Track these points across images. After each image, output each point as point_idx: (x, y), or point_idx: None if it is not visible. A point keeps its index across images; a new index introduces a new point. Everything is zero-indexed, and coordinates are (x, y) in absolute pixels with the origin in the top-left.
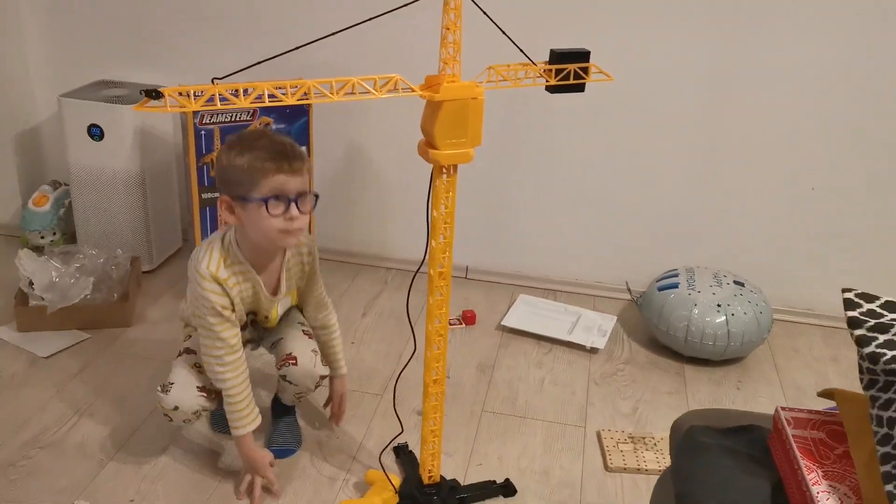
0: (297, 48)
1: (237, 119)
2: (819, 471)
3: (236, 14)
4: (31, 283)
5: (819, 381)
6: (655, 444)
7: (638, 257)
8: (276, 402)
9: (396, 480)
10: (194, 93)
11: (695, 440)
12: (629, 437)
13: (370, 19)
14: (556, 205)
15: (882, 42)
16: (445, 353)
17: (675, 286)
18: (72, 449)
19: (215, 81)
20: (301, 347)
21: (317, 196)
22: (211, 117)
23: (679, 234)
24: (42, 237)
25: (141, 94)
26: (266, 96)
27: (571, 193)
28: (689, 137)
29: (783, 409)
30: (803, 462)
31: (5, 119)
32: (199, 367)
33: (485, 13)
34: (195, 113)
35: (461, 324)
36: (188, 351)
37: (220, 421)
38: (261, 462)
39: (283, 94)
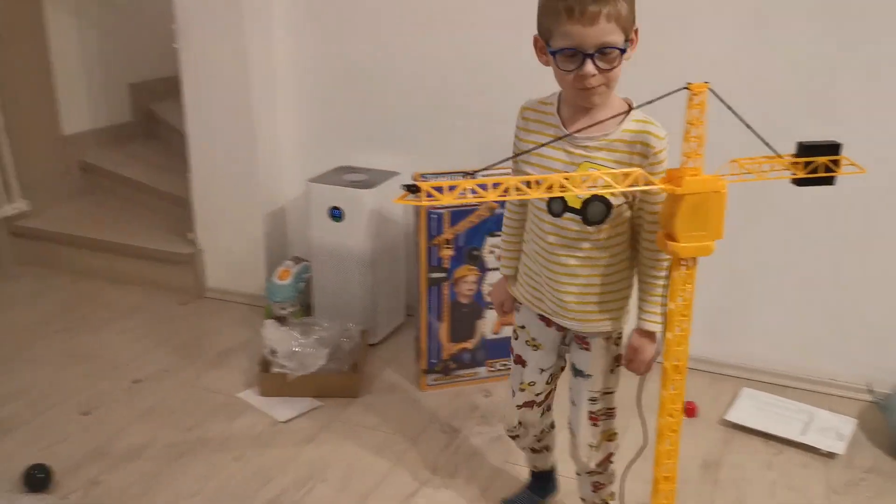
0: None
1: (466, 204)
2: None
3: (467, 105)
4: (273, 352)
5: None
6: None
7: (879, 352)
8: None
9: None
10: (448, 187)
11: None
12: None
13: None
14: (789, 292)
15: None
16: (678, 450)
17: None
18: None
19: (467, 176)
20: (582, 429)
21: (622, 50)
22: None
23: None
24: (283, 308)
25: (402, 188)
26: (513, 190)
27: (802, 275)
28: None
29: None
30: None
31: (259, 200)
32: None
33: (730, 109)
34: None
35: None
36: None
37: None
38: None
39: (528, 187)
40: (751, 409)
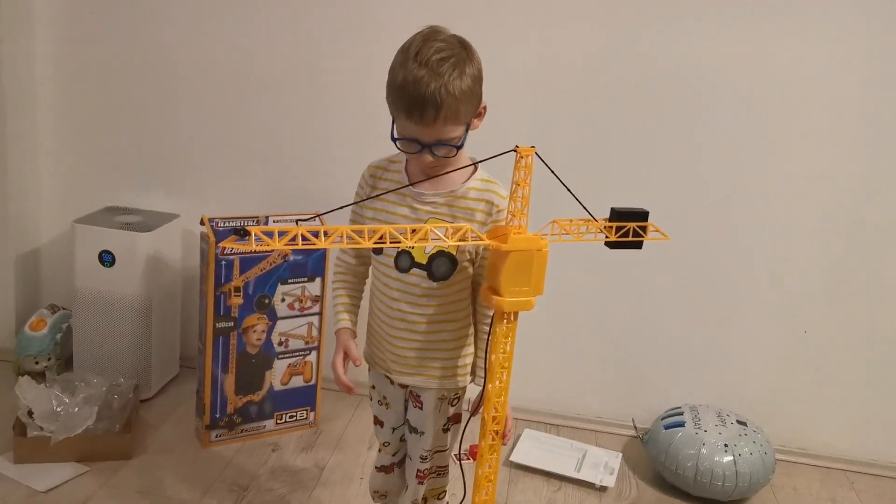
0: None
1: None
2: None
3: (248, 144)
4: (30, 413)
5: None
6: None
7: (638, 392)
8: None
9: None
10: (278, 232)
11: None
12: None
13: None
14: (557, 338)
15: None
16: (494, 499)
17: (682, 424)
18: None
19: (299, 223)
20: (412, 482)
21: (459, 147)
22: (233, 248)
23: (677, 370)
24: (37, 362)
25: (231, 232)
26: (345, 239)
27: (573, 328)
28: (689, 276)
29: None
30: None
31: (9, 241)
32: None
33: (553, 173)
34: (217, 244)
35: (469, 458)
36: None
37: None
38: (338, 369)
39: (361, 237)
40: (531, 448)
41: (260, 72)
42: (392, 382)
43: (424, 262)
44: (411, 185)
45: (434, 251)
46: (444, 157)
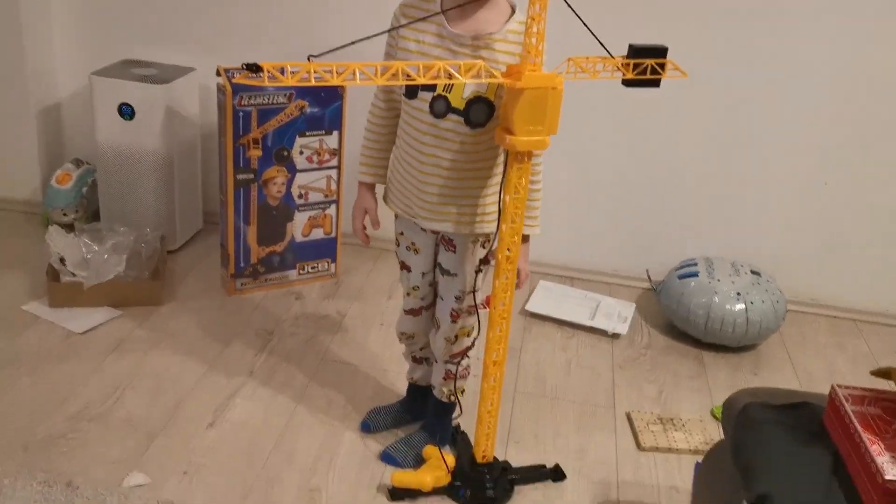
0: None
1: (274, 101)
2: (881, 443)
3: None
4: (62, 260)
5: (828, 368)
6: (684, 425)
7: (652, 247)
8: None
9: (450, 459)
10: (290, 69)
11: (752, 416)
12: (658, 419)
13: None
14: (575, 193)
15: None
16: (508, 336)
17: (696, 275)
18: (119, 423)
19: (311, 59)
20: (445, 320)
21: None
22: (249, 99)
23: (692, 225)
24: (65, 215)
25: (242, 67)
26: (357, 76)
27: (591, 182)
28: (704, 128)
29: (840, 386)
30: (865, 435)
31: (28, 96)
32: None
33: (569, 5)
34: (234, 94)
35: (485, 307)
36: None
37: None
38: (356, 220)
39: (373, 74)
40: (546, 299)
41: None
42: (423, 229)
43: (462, 107)
44: (447, 22)
45: (472, 96)
46: None
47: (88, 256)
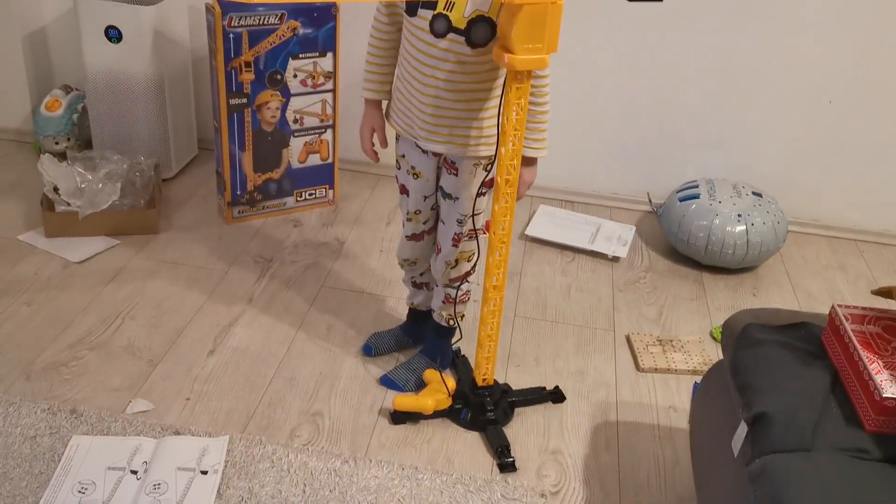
0: None
1: (265, 22)
2: (880, 361)
3: None
4: (56, 189)
5: (828, 288)
6: (683, 346)
7: (653, 170)
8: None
9: (451, 383)
10: None
11: (752, 336)
12: (657, 340)
13: None
14: (572, 116)
15: None
16: (507, 260)
17: (697, 196)
18: (120, 350)
19: None
20: (446, 245)
21: None
22: (240, 20)
23: (694, 146)
24: (56, 143)
25: None
26: None
27: (588, 104)
28: (707, 49)
29: (840, 305)
30: (864, 353)
31: (13, 21)
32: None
33: None
34: (223, 16)
35: (484, 232)
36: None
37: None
38: (364, 137)
39: None
40: (546, 223)
41: None
42: (424, 151)
43: (463, 26)
44: None
45: (473, 15)
46: None
47: (82, 185)
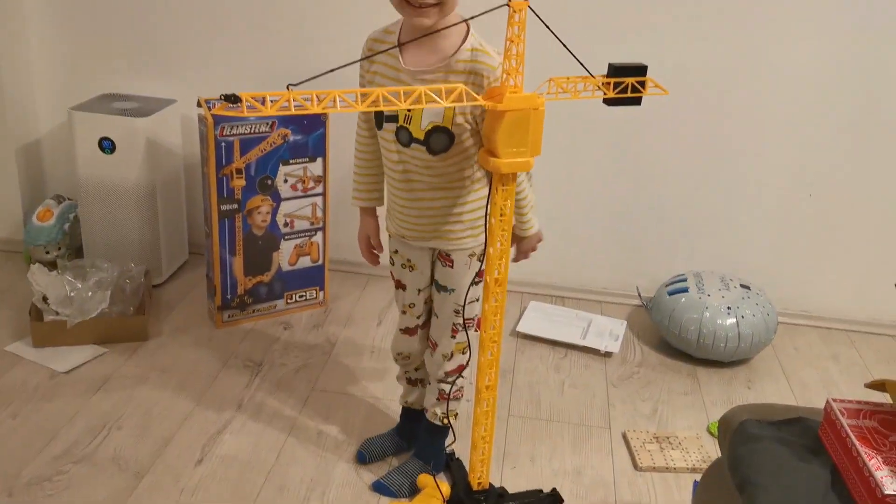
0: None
1: (256, 131)
2: (878, 457)
3: (242, 25)
4: (45, 299)
5: (822, 379)
6: (680, 444)
7: (642, 263)
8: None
9: (445, 488)
10: (270, 98)
11: (749, 432)
12: (654, 437)
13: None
14: (560, 211)
15: (876, 49)
16: (499, 359)
17: (685, 290)
18: (106, 462)
19: (290, 88)
20: (443, 339)
21: None
22: (232, 129)
23: (680, 239)
24: (47, 252)
25: (221, 98)
26: (337, 103)
27: (577, 200)
28: (687, 145)
29: (835, 400)
30: (863, 449)
31: (8, 132)
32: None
33: (548, 27)
34: (215, 125)
35: (476, 330)
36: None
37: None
38: (361, 243)
39: (353, 101)
40: (537, 319)
41: None
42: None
43: (422, 137)
44: (401, 49)
45: (429, 127)
46: None
47: (72, 294)
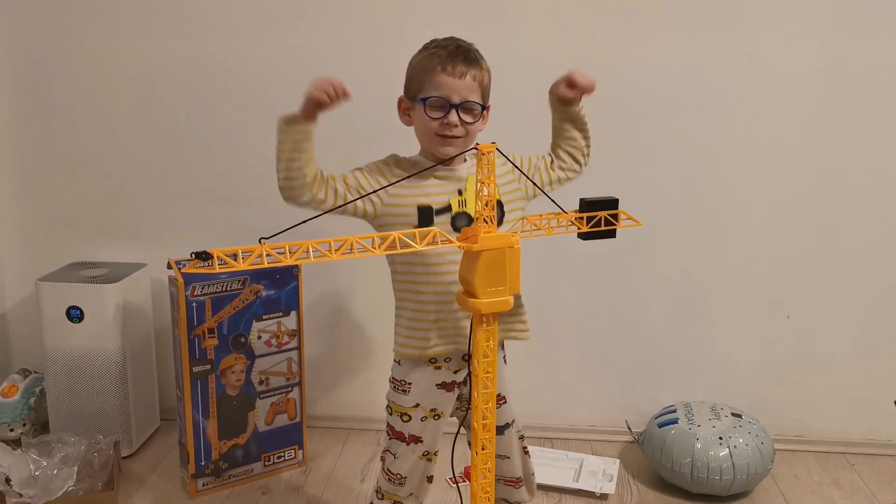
0: (327, 212)
1: (228, 289)
2: None
3: (210, 186)
4: (7, 480)
5: None
6: None
7: (629, 397)
8: None
9: None
10: (242, 253)
11: None
12: None
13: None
14: (541, 349)
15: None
16: None
17: (675, 422)
18: None
19: (262, 241)
20: (522, 463)
21: (484, 107)
22: (203, 288)
23: (667, 370)
24: (11, 430)
25: (191, 256)
26: (310, 253)
27: (556, 338)
28: (664, 276)
29: None
30: None
31: None
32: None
33: (517, 168)
34: (186, 285)
35: (464, 480)
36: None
37: None
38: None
39: (327, 251)
40: None
41: (213, 117)
42: (450, 389)
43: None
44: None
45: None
46: (469, 122)
47: (36, 473)
